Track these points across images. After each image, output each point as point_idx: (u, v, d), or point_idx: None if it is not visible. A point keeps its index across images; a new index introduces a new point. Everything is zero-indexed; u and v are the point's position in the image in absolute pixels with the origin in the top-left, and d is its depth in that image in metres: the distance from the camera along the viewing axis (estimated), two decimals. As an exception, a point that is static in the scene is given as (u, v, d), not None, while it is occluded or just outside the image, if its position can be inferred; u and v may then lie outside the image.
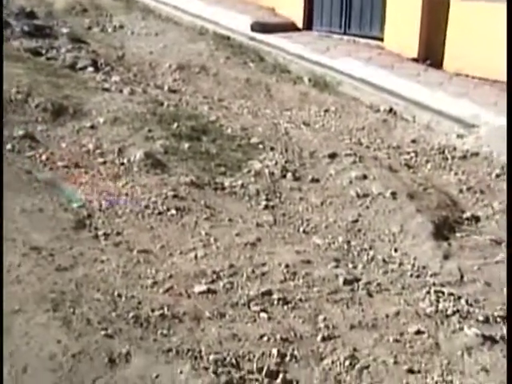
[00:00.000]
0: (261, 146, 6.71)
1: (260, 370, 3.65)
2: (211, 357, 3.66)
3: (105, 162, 5.91)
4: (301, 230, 5.33)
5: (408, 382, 3.70)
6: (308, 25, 12.20)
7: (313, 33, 12.02)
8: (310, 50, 10.62)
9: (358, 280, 4.64)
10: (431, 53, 10.17)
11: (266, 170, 6.19)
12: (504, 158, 6.92)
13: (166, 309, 4.04)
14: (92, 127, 6.46)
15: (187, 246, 4.86)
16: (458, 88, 9.02)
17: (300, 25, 12.20)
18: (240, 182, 5.93)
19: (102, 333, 3.67)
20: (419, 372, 3.80)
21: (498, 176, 6.63)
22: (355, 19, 11.49)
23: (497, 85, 9.18)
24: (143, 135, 6.48)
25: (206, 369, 3.56)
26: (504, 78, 9.04)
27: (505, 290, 4.73)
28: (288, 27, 12.10)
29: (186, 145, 6.46)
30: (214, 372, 3.54)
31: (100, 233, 4.84)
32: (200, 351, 3.71)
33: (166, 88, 8.36)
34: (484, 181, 6.54)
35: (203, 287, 4.33)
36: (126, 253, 4.63)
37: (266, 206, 5.64)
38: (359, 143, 7.21)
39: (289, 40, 11.24)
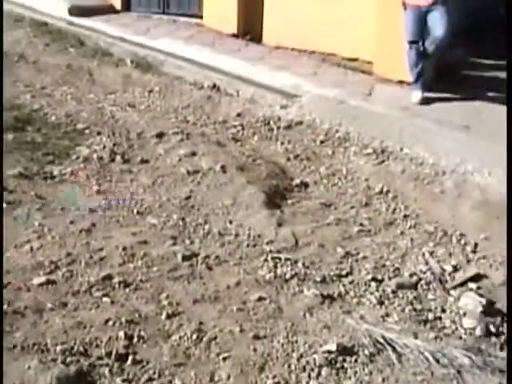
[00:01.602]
0: (87, 132, 6.65)
1: (109, 355, 3.66)
2: (58, 348, 3.64)
3: None
4: (135, 211, 5.31)
5: (255, 348, 3.80)
6: (127, 6, 12.12)
7: (132, 14, 11.95)
8: (131, 32, 10.58)
9: (196, 255, 4.70)
10: (250, 28, 10.35)
11: (95, 155, 6.14)
12: (326, 126, 7.17)
13: (6, 305, 3.96)
14: None
15: (21, 238, 4.76)
16: (278, 61, 9.26)
17: (119, 6, 12.09)
18: (69, 170, 5.84)
19: None
20: (265, 337, 3.91)
21: (322, 142, 6.85)
22: (174, -2, 11.53)
23: (314, 56, 9.49)
24: (-36, 130, 6.27)
25: (54, 360, 3.54)
26: (321, 48, 9.37)
27: (338, 249, 4.95)
28: (107, 10, 11.97)
29: (11, 136, 6.31)
30: (63, 362, 3.53)
31: None
32: (46, 344, 3.68)
33: (-17, 79, 8.07)
34: (309, 148, 6.74)
35: (42, 279, 4.27)
36: (-42, 252, 4.49)
37: (98, 191, 5.58)
38: (186, 121, 7.24)
39: (108, 23, 11.14)
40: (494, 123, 7.38)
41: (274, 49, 9.87)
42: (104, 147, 6.30)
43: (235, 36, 10.37)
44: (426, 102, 7.81)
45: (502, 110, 7.71)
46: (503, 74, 9.08)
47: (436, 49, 7.64)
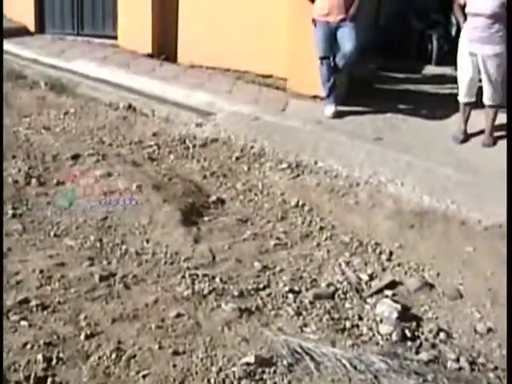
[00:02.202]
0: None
1: (27, 379, 3.64)
2: (-25, 374, 3.60)
3: None
4: (51, 234, 5.27)
5: (175, 364, 3.83)
6: (40, 28, 11.96)
7: (46, 36, 11.82)
8: (45, 54, 10.48)
9: (113, 275, 4.70)
10: (165, 47, 10.39)
11: (10, 179, 6.05)
12: (241, 142, 7.25)
13: None
14: None
15: None
16: (193, 79, 9.34)
17: (32, 28, 11.93)
18: (-16, 194, 5.77)
19: None
20: (184, 352, 3.95)
21: (237, 159, 6.93)
22: (88, 19, 11.47)
23: (229, 73, 9.58)
24: None
25: (-29, 388, 3.50)
26: (236, 66, 9.48)
27: (255, 263, 5.03)
28: (20, 32, 11.79)
29: None
30: (-20, 389, 3.50)
31: None
32: (-38, 371, 3.64)
33: None
34: (225, 165, 6.80)
35: (-43, 305, 4.21)
36: None
37: (14, 215, 5.50)
38: (101, 142, 7.19)
39: (22, 45, 11.00)
40: (406, 134, 7.63)
41: (189, 68, 9.93)
42: (19, 170, 6.22)
43: (150, 56, 10.38)
44: (339, 115, 7.99)
45: (414, 121, 7.99)
46: (414, 87, 9.39)
47: (346, 64, 7.84)
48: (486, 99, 7.37)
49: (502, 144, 7.35)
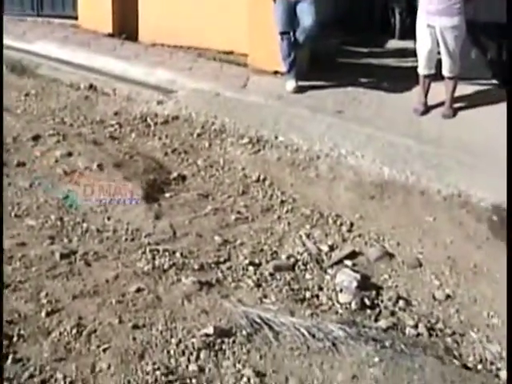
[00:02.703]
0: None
1: (-12, 356, 3.66)
2: None
3: None
4: (12, 214, 5.26)
5: (135, 337, 3.87)
6: (-1, 9, 11.84)
7: (6, 17, 11.67)
8: (5, 36, 10.32)
9: (74, 253, 4.73)
10: (126, 27, 10.34)
11: (-30, 162, 6.04)
12: (202, 119, 7.27)
13: None
14: None
15: None
16: (154, 58, 9.31)
17: (-10, 11, 11.82)
18: None
19: None
20: (144, 326, 3.99)
21: (199, 135, 6.94)
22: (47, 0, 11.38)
23: (190, 51, 9.57)
24: None
25: None
26: (197, 43, 9.48)
27: (216, 237, 5.07)
28: (-22, 14, 11.67)
29: None
30: None
31: None
32: None
33: None
34: (187, 141, 6.83)
35: None
36: None
37: (-25, 197, 5.51)
38: (63, 122, 7.19)
39: (-20, 27, 10.88)
40: (367, 107, 7.67)
41: (150, 46, 9.89)
42: (-21, 152, 6.21)
43: (111, 35, 10.33)
44: (300, 90, 8.00)
45: (375, 94, 8.02)
46: (376, 61, 9.42)
47: (306, 38, 7.83)
48: (445, 71, 7.41)
49: (462, 115, 7.43)
